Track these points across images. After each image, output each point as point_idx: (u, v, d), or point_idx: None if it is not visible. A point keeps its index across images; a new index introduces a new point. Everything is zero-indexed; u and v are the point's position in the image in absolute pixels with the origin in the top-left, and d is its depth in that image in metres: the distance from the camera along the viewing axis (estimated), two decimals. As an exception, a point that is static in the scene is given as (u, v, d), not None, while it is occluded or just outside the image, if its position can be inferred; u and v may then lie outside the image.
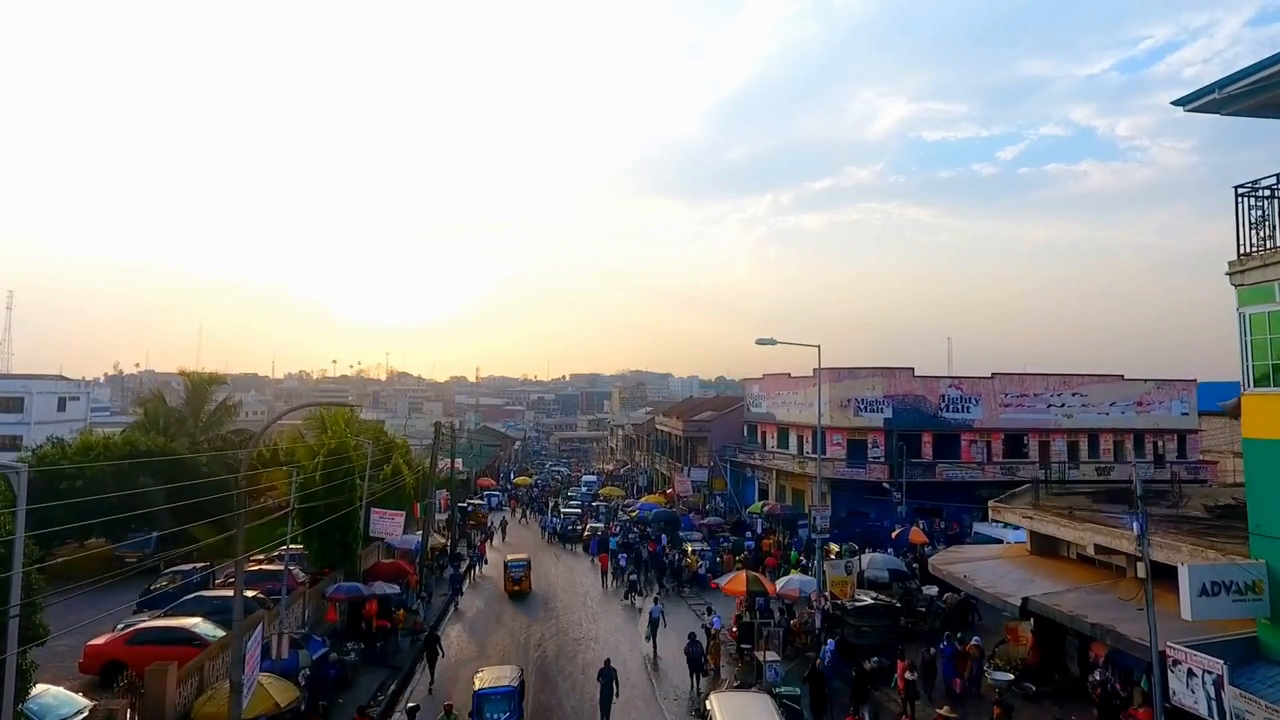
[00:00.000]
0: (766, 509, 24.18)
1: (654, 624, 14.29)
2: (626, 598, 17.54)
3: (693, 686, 12.03)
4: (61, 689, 9.29)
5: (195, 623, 11.70)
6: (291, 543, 13.69)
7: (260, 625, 9.80)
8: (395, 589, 15.44)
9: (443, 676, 12.49)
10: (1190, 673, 7.74)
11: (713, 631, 13.30)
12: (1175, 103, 8.68)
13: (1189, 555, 8.99)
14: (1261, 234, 8.08)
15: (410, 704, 10.08)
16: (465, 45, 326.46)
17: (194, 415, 24.23)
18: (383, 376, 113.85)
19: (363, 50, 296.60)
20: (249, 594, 12.14)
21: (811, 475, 22.94)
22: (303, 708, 9.98)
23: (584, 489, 37.34)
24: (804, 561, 18.74)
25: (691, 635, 12.66)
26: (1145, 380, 26.31)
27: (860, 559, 16.95)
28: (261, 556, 17.27)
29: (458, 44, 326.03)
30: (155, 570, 15.89)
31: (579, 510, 29.58)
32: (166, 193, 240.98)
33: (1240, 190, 8.28)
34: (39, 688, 8.73)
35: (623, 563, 20.46)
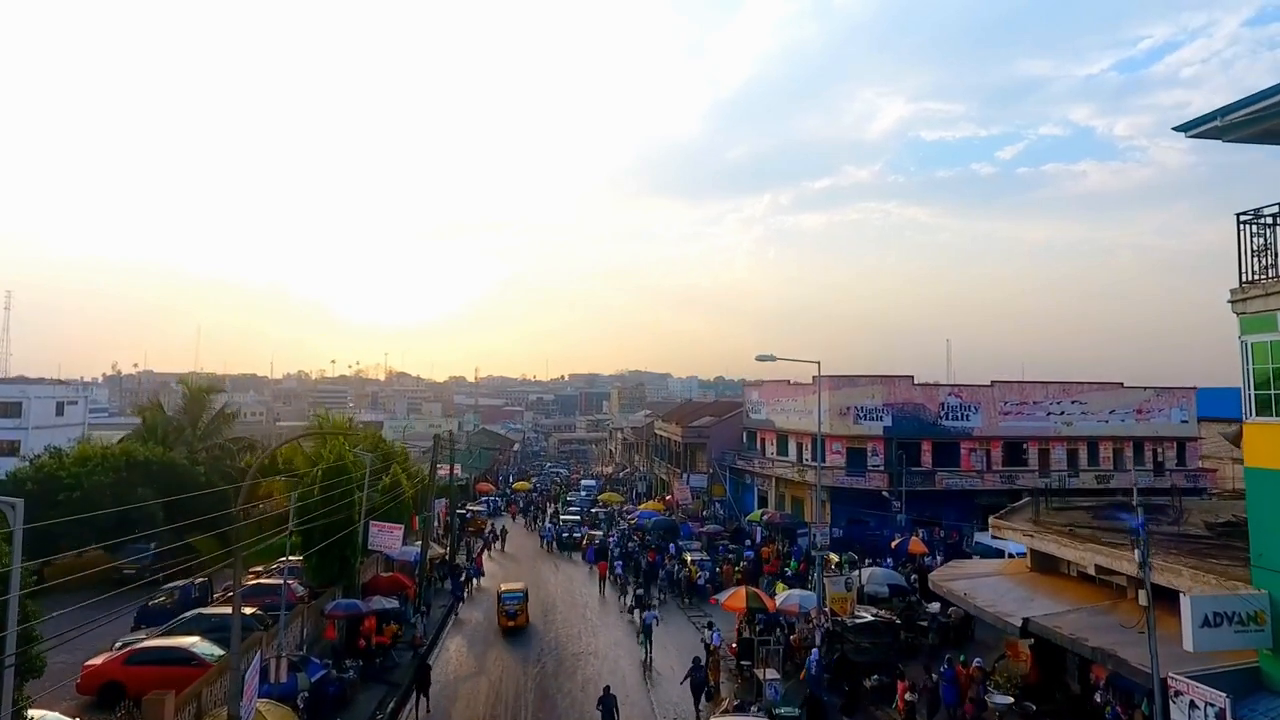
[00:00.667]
0: (766, 517, 24.17)
1: (647, 630, 14.29)
2: (630, 611, 17.36)
3: (696, 715, 11.90)
4: (59, 715, 9.24)
5: (194, 642, 11.65)
6: (290, 553, 13.62)
7: (259, 649, 9.76)
8: (394, 603, 15.40)
9: (440, 695, 12.41)
10: (1193, 704, 7.71)
11: (712, 648, 13.25)
12: (1177, 129, 8.66)
13: (1190, 580, 8.96)
14: (1263, 262, 8.04)
15: None
16: (466, 45, 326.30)
17: (192, 424, 24.20)
18: (381, 377, 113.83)
19: (362, 50, 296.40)
20: (247, 611, 12.07)
21: (811, 483, 22.93)
22: (302, 730, 9.96)
23: (583, 493, 37.12)
24: (803, 571, 18.72)
25: (696, 660, 12.55)
26: (1145, 388, 26.33)
27: (860, 573, 16.89)
28: (260, 568, 17.19)
29: (458, 44, 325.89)
30: (154, 583, 15.83)
31: (578, 517, 29.47)
32: (167, 193, 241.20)
33: (1242, 218, 8.24)
34: (36, 713, 8.69)
35: (619, 570, 20.37)
